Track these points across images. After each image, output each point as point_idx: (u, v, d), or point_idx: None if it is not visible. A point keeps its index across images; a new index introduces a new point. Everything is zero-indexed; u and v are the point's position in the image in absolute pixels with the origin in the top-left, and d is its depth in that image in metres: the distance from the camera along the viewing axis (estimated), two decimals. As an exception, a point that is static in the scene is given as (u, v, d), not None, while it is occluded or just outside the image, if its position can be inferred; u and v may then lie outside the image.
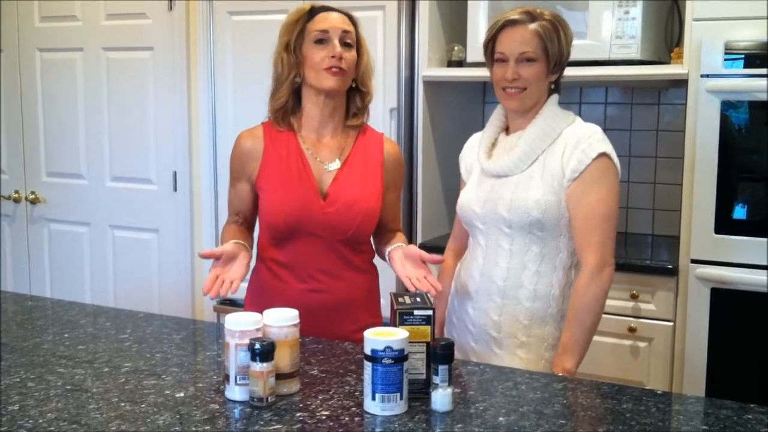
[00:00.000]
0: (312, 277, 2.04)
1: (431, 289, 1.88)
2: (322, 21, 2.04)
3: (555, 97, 2.04)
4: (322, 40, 2.02)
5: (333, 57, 2.00)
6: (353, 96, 2.11)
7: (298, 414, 1.47)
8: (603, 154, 1.95)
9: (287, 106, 2.09)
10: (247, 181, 2.10)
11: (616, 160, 1.98)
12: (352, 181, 2.06)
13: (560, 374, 1.88)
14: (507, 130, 2.11)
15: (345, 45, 2.03)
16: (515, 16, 2.00)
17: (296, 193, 2.03)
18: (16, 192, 4.11)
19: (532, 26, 1.97)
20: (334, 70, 2.00)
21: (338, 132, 2.11)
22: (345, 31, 2.03)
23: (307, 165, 2.06)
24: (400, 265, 2.00)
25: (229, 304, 3.56)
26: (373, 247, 2.17)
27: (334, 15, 2.06)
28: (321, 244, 2.03)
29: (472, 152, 2.17)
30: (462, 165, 2.22)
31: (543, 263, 1.99)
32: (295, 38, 2.04)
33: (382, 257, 2.12)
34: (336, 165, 2.07)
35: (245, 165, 2.10)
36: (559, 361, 1.93)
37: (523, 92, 2.00)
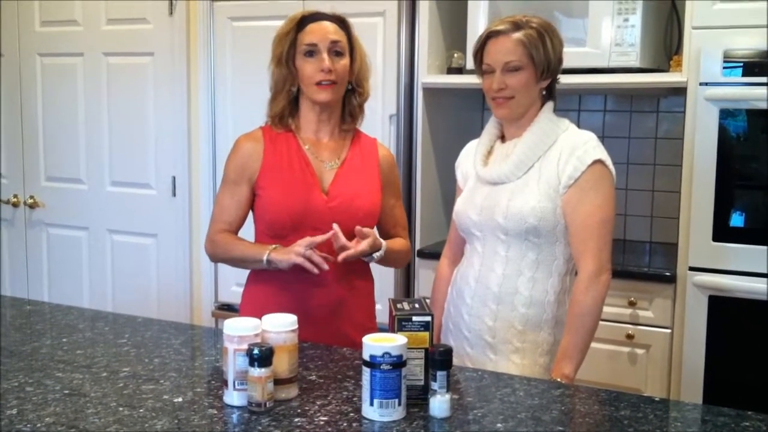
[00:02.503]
0: (312, 277, 2.04)
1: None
2: (311, 33, 2.05)
3: (550, 105, 2.05)
4: (311, 53, 2.04)
5: (322, 71, 2.02)
6: (349, 97, 2.13)
7: (296, 419, 1.47)
8: (598, 161, 1.96)
9: (284, 112, 2.11)
10: (247, 183, 2.10)
11: (611, 166, 1.99)
12: (351, 179, 2.09)
13: (559, 380, 1.88)
14: (503, 137, 2.12)
15: (335, 54, 2.05)
16: (500, 27, 2.01)
17: (299, 188, 2.04)
18: (15, 196, 4.11)
19: (516, 35, 1.98)
20: (324, 83, 2.03)
21: (335, 135, 2.14)
22: (333, 41, 2.05)
23: (308, 162, 2.08)
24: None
25: (228, 309, 3.57)
26: None
27: (323, 25, 2.06)
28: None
29: (468, 159, 2.18)
30: (458, 172, 2.22)
31: (539, 270, 1.99)
32: (287, 51, 2.07)
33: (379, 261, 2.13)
34: (335, 164, 2.10)
35: (246, 167, 2.10)
36: (558, 367, 1.94)
37: (511, 101, 2.01)
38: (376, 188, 2.12)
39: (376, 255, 2.05)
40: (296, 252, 1.95)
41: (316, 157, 2.10)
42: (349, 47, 2.09)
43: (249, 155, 2.10)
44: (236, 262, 2.13)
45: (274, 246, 2.02)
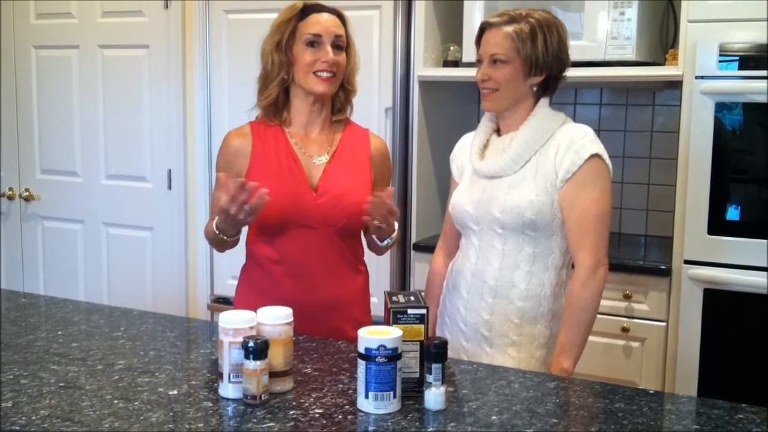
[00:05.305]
0: (304, 273, 2.05)
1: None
2: (315, 24, 2.05)
3: (546, 100, 2.05)
4: (314, 43, 2.04)
5: (325, 62, 2.02)
6: (338, 92, 2.13)
7: (291, 412, 1.48)
8: (595, 155, 1.96)
9: (278, 102, 2.11)
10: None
11: (608, 160, 1.99)
12: (341, 174, 2.09)
13: (558, 374, 1.89)
14: (498, 131, 2.11)
15: (337, 48, 2.05)
16: (494, 19, 2.02)
17: (288, 185, 2.04)
18: (11, 189, 4.10)
19: (507, 29, 1.98)
20: (326, 75, 2.03)
21: (325, 128, 2.13)
22: (338, 35, 2.05)
23: (296, 159, 2.08)
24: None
25: (223, 302, 3.57)
26: (364, 245, 2.18)
27: (327, 17, 2.06)
28: (312, 237, 2.04)
29: (464, 153, 2.17)
30: (453, 165, 2.22)
31: (535, 263, 2.00)
32: (287, 38, 2.06)
33: (371, 248, 2.15)
34: (324, 159, 2.10)
35: (233, 163, 2.10)
36: (556, 361, 1.94)
37: (495, 93, 2.01)
38: (366, 182, 2.11)
39: (393, 236, 2.06)
40: (222, 211, 1.88)
41: (303, 153, 2.09)
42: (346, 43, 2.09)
43: (236, 151, 2.10)
44: (220, 245, 2.08)
45: (215, 219, 1.95)
